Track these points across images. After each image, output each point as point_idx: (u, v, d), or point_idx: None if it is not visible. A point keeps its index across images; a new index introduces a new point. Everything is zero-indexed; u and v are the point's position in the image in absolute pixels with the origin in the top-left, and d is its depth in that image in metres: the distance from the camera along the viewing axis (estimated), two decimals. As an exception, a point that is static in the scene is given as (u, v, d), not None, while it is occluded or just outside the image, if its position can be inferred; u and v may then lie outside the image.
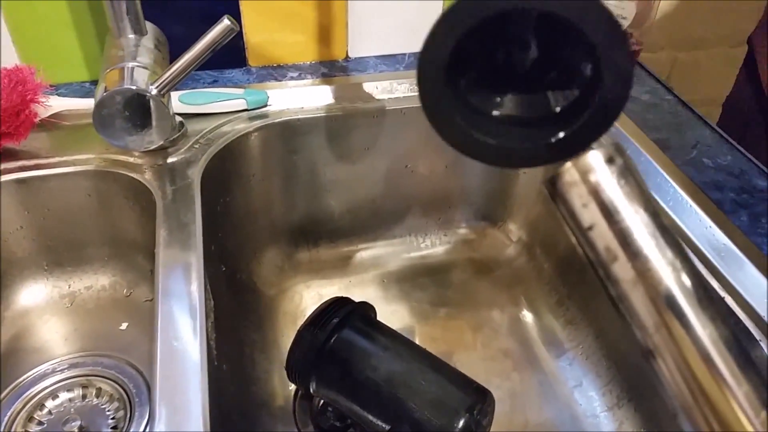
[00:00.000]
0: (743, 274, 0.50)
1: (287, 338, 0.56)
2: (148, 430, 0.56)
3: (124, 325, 0.64)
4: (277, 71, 0.73)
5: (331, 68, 0.75)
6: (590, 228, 0.28)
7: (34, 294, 0.64)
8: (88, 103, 0.63)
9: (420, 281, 0.74)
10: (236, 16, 0.68)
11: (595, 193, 0.28)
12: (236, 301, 0.66)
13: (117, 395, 0.58)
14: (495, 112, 0.31)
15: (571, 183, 0.28)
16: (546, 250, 0.74)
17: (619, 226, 0.27)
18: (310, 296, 0.72)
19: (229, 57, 0.72)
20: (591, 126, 0.28)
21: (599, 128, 0.28)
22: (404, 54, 0.78)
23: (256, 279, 0.71)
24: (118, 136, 0.56)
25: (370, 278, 0.75)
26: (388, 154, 0.71)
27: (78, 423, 0.56)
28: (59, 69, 0.67)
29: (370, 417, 0.51)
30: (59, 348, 0.62)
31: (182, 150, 0.60)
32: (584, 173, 0.28)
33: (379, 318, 0.59)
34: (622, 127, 0.66)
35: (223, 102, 0.65)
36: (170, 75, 0.54)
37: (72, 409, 0.57)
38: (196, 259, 0.49)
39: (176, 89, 0.58)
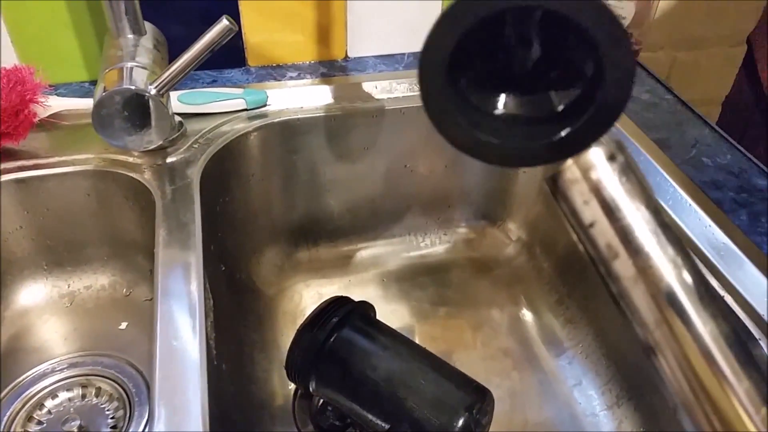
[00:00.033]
0: (743, 274, 0.50)
1: (287, 338, 0.56)
2: (147, 429, 0.55)
3: (123, 325, 0.64)
4: (276, 71, 0.73)
5: (331, 68, 0.74)
6: (591, 225, 0.28)
7: (33, 294, 0.64)
8: (87, 103, 0.63)
9: (420, 280, 0.74)
10: (235, 16, 0.68)
11: (597, 191, 0.28)
12: (236, 300, 0.66)
13: (116, 395, 0.58)
14: (497, 112, 0.31)
15: (572, 180, 0.28)
16: (546, 249, 0.74)
17: (621, 223, 0.27)
18: (309, 296, 0.72)
19: (228, 57, 0.72)
20: (593, 125, 0.28)
21: (601, 127, 0.28)
22: (403, 54, 0.78)
23: (256, 278, 0.71)
24: (118, 136, 0.55)
25: (369, 277, 0.74)
26: (388, 153, 0.71)
27: (77, 422, 0.56)
28: (58, 69, 0.67)
29: (370, 416, 0.51)
30: (59, 347, 0.62)
31: (181, 150, 0.60)
32: (585, 170, 0.28)
33: (378, 317, 0.59)
34: (622, 127, 0.66)
35: (222, 102, 0.65)
36: (169, 75, 0.54)
37: (71, 409, 0.57)
38: (195, 258, 0.49)
39: (175, 89, 0.58)
